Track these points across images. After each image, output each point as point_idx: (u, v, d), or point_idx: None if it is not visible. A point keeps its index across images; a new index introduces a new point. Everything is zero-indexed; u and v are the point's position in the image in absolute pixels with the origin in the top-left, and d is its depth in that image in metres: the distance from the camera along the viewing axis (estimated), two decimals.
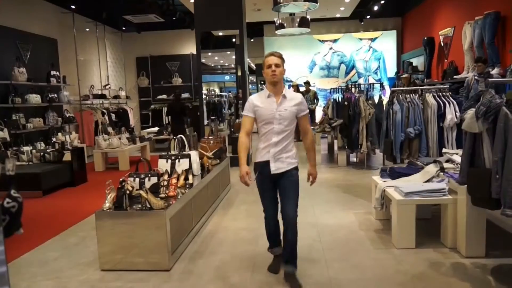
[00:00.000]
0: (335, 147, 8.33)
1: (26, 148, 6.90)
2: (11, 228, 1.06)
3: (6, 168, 1.02)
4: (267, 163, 2.92)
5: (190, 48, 12.31)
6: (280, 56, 2.94)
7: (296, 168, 2.98)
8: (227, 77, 16.22)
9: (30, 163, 6.71)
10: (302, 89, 11.78)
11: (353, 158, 8.14)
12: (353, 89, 7.99)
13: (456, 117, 4.76)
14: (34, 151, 6.93)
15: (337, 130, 7.72)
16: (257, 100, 2.95)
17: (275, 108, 2.88)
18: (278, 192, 2.98)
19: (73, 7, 9.47)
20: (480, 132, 2.76)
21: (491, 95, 2.65)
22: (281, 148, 2.90)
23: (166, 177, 3.97)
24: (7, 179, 1.04)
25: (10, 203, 1.03)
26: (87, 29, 10.62)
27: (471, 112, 2.79)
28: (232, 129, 8.94)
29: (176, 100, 9.79)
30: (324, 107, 10.19)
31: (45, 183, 6.15)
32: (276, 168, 2.91)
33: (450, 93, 5.08)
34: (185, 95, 12.21)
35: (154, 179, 3.80)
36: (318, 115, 11.66)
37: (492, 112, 2.60)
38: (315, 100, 11.78)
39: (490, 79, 2.86)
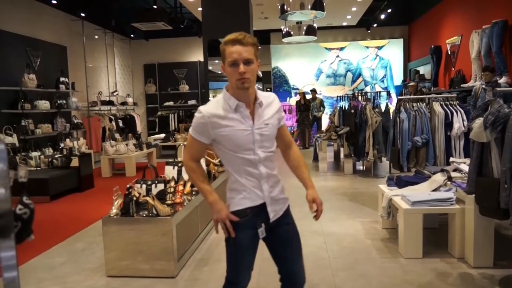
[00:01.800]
0: (342, 155, 8.31)
1: (35, 154, 6.97)
2: (23, 235, 1.07)
3: (18, 175, 1.03)
4: (261, 208, 1.90)
5: (197, 56, 12.41)
6: (253, 44, 1.79)
7: (289, 205, 2.03)
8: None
9: (38, 168, 6.77)
10: (308, 96, 11.81)
11: (360, 166, 8.11)
12: (359, 97, 7.99)
13: (464, 126, 4.74)
14: (42, 156, 7.00)
15: (344, 138, 7.71)
16: (217, 116, 1.82)
17: (251, 126, 1.83)
18: (272, 247, 2.01)
19: (82, 14, 9.61)
20: (488, 142, 2.75)
21: (499, 104, 2.64)
22: (273, 181, 1.94)
23: (172, 183, 3.99)
24: (20, 186, 1.06)
25: (22, 210, 1.04)
26: (96, 36, 10.76)
27: (479, 121, 2.78)
28: None
29: None
30: (330, 114, 10.19)
31: (53, 188, 6.19)
32: (275, 213, 1.92)
33: (458, 101, 5.07)
34: (192, 102, 12.30)
35: (160, 186, 3.82)
36: (325, 122, 11.66)
37: (501, 122, 2.59)
38: (322, 108, 11.79)
39: (498, 89, 2.86)
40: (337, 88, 12.88)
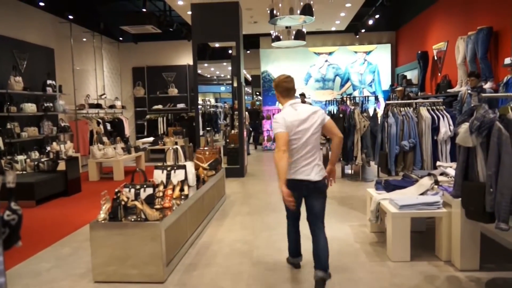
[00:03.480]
0: None
1: (20, 157, 6.86)
2: (10, 241, 1.06)
3: (6, 180, 1.02)
4: None
5: (186, 59, 12.38)
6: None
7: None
8: (222, 88, 16.32)
9: (24, 172, 6.66)
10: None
11: (348, 170, 8.16)
12: (348, 102, 8.05)
13: (450, 130, 4.81)
14: (28, 160, 6.89)
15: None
16: None
17: None
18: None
19: (70, 17, 9.52)
20: (474, 146, 2.80)
21: (484, 110, 2.69)
22: None
23: (161, 188, 3.96)
24: (7, 192, 1.04)
25: (10, 216, 1.03)
26: (84, 39, 10.66)
27: (465, 126, 2.83)
28: (228, 140, 8.96)
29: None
30: None
31: (39, 192, 6.10)
32: None
33: (444, 106, 5.15)
34: (181, 105, 12.26)
35: (149, 190, 3.79)
36: None
37: (486, 127, 2.64)
38: None
39: (483, 94, 2.91)
40: (326, 92, 12.96)
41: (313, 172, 3.00)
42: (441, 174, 4.09)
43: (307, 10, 7.57)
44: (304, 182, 2.99)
